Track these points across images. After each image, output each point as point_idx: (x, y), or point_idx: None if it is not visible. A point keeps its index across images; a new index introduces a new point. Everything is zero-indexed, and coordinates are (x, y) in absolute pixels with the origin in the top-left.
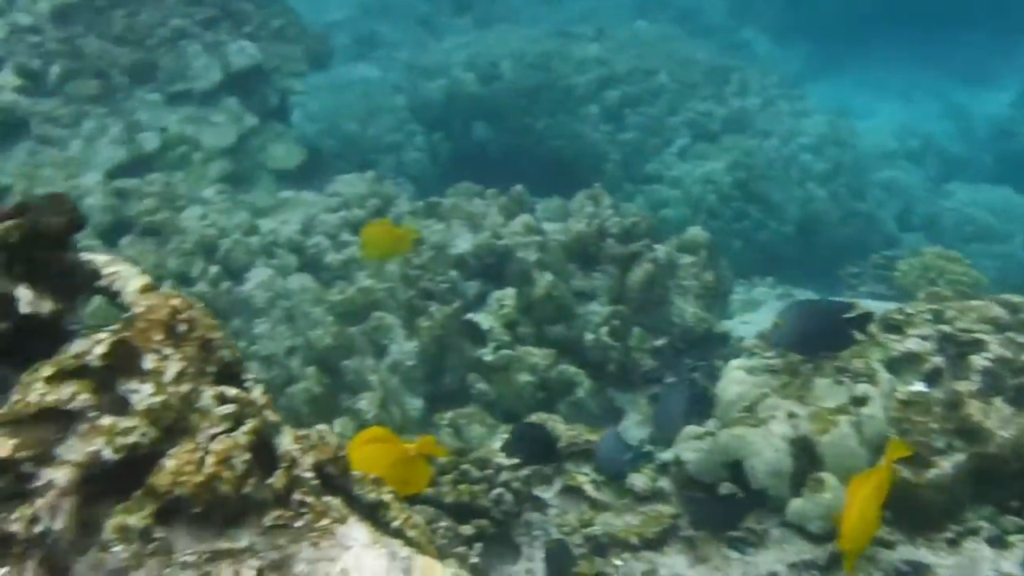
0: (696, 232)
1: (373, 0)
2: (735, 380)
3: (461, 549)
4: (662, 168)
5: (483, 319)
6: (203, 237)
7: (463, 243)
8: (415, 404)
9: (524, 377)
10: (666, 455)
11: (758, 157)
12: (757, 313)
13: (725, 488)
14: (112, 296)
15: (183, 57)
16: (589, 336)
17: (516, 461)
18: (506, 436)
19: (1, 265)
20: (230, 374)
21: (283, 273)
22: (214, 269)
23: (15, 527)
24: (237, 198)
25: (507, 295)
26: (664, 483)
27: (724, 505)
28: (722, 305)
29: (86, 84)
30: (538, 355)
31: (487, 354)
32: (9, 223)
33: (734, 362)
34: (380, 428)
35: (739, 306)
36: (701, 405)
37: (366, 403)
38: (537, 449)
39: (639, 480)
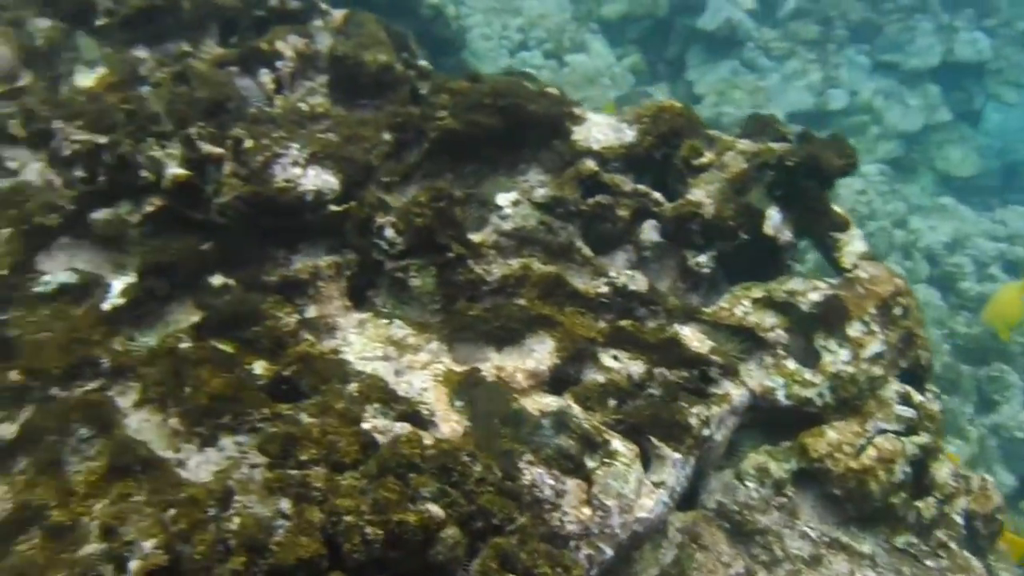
0: None
1: None
2: None
3: None
4: None
5: None
6: (852, 210)
7: None
8: (1006, 479)
9: None
10: None
11: None
12: None
13: None
14: (830, 251)
15: (910, 30)
16: None
17: None
18: None
19: (766, 181)
20: (918, 377)
21: (911, 279)
22: None
23: (692, 420)
24: (895, 186)
25: None
26: None
27: None
28: None
29: (808, 27)
30: None
31: None
32: (792, 146)
33: None
34: None
35: None
36: None
37: (954, 449)
38: None
39: None
